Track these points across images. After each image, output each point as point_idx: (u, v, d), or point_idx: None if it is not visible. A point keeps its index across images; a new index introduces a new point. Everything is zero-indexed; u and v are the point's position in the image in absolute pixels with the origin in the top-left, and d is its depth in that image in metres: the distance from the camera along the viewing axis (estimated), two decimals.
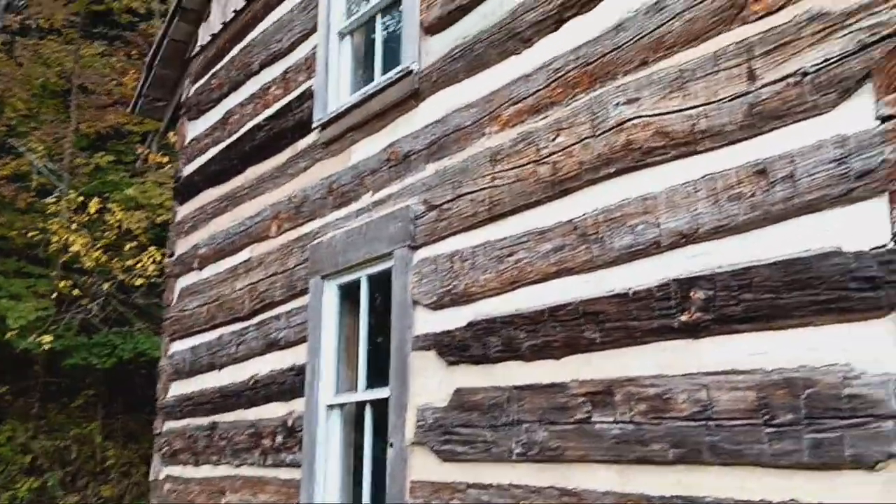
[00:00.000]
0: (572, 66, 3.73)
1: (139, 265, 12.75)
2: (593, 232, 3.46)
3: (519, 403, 3.70)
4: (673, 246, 3.14)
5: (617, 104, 3.46)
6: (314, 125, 5.53)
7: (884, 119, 2.56)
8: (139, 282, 12.87)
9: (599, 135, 3.52)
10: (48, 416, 15.16)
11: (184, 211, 7.26)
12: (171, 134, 13.33)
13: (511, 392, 3.75)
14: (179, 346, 6.93)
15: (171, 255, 7.32)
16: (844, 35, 2.68)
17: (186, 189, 7.25)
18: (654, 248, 3.20)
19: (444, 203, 4.37)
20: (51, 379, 15.22)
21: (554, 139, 3.75)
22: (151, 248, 12.97)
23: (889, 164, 2.51)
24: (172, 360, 7.02)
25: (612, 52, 3.55)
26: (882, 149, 2.54)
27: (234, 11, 6.81)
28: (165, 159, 14.02)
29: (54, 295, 13.11)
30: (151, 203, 14.14)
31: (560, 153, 3.70)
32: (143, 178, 14.95)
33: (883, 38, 2.57)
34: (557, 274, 3.62)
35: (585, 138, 3.58)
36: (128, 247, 13.04)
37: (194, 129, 7.34)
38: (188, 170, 7.30)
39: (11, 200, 14.31)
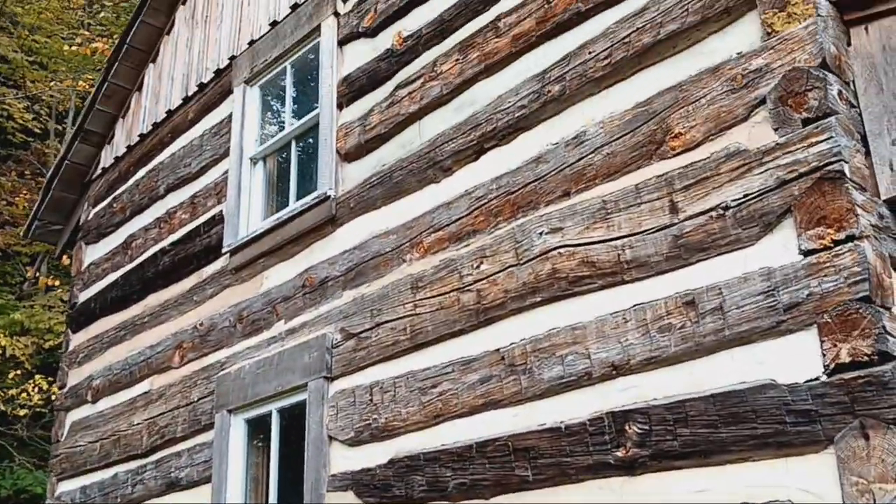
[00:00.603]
0: (494, 195, 3.74)
1: (23, 395, 11.84)
2: (521, 362, 3.38)
3: None
4: (605, 377, 3.08)
5: (541, 233, 3.46)
6: (224, 250, 5.34)
7: (807, 253, 2.62)
8: (22, 412, 11.93)
9: (524, 263, 3.49)
10: None
11: (77, 339, 6.81)
12: (64, 257, 12.78)
13: None
14: (68, 485, 6.34)
15: (62, 386, 6.80)
16: (763, 172, 2.77)
17: (81, 316, 6.83)
18: (586, 379, 3.13)
19: (362, 332, 4.22)
20: None
21: (477, 267, 3.70)
22: (38, 377, 12.11)
23: (816, 297, 2.55)
24: (60, 501, 6.40)
25: (534, 182, 3.58)
26: (808, 282, 2.59)
27: (140, 135, 6.66)
28: (56, 282, 13.35)
29: None
30: (39, 328, 13.33)
31: (484, 281, 3.65)
32: (31, 302, 14.14)
33: (801, 176, 2.66)
34: (485, 406, 3.50)
35: (510, 266, 3.55)
36: (11, 374, 12.15)
37: (92, 253, 7.00)
38: (84, 296, 6.90)
39: None
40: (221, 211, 5.57)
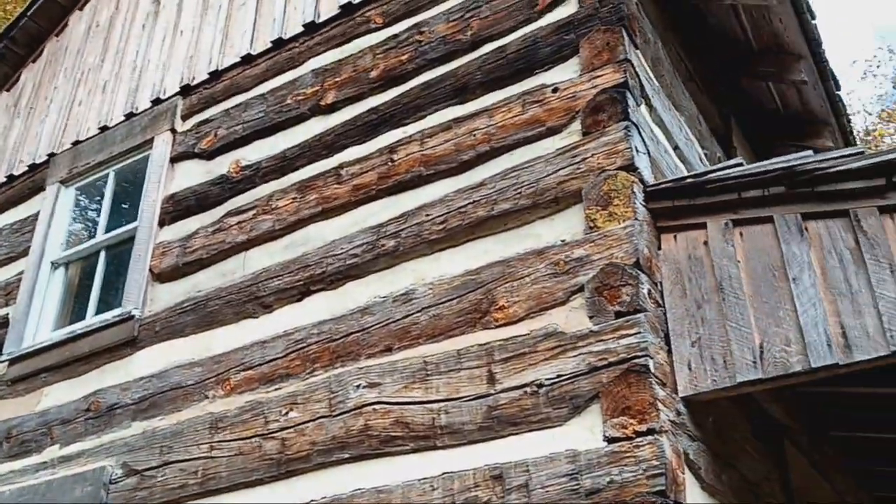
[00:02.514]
0: (314, 340, 3.67)
1: None
2: None
3: None
4: None
5: (358, 386, 3.40)
6: (2, 358, 4.84)
7: (610, 440, 2.73)
8: None
9: (337, 415, 3.40)
10: None
11: None
12: None
13: None
14: None
15: None
16: (576, 355, 2.91)
17: None
18: None
19: (147, 469, 3.89)
20: None
21: (286, 413, 3.56)
22: None
23: (616, 485, 2.65)
24: None
25: (357, 332, 3.55)
26: (609, 469, 2.68)
27: None
28: None
29: None
30: None
31: (291, 430, 3.50)
32: None
33: (610, 365, 2.82)
34: None
35: (321, 417, 3.44)
36: None
37: None
38: None
39: None
40: (8, 314, 5.08)
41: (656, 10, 4.16)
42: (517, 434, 2.93)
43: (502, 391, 3.02)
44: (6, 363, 4.85)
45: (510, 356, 3.06)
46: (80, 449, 4.23)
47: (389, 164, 3.86)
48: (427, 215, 3.60)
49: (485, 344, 3.15)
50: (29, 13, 6.20)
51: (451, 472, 2.99)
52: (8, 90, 6.27)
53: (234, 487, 3.55)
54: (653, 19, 4.01)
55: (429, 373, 3.25)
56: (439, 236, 3.52)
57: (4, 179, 5.72)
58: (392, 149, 3.89)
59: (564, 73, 3.49)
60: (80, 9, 6.16)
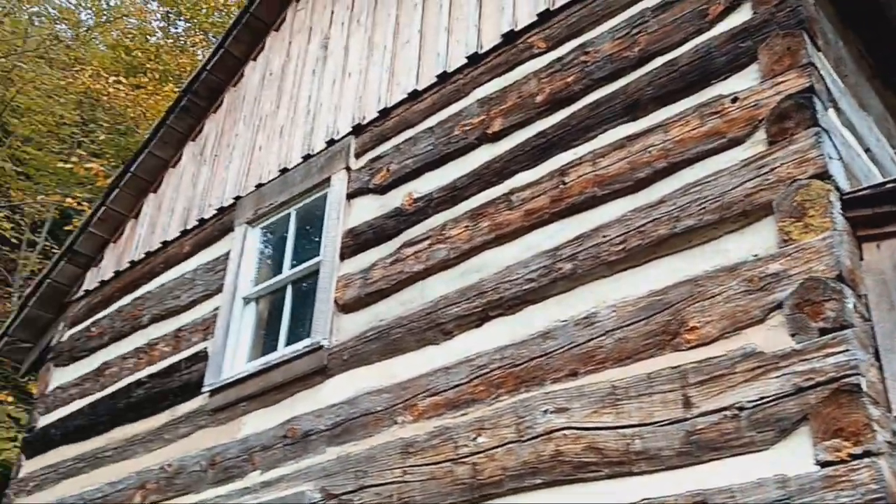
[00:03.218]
0: (497, 366, 3.71)
1: None
2: None
3: None
4: None
5: (546, 411, 3.41)
6: (204, 389, 5.19)
7: (823, 464, 2.59)
8: None
9: (526, 441, 3.42)
10: None
11: (31, 466, 6.45)
12: (24, 378, 12.34)
13: None
14: None
15: None
16: (779, 376, 2.78)
17: (38, 442, 6.50)
18: None
19: (344, 493, 4.05)
20: None
21: (475, 439, 3.61)
22: None
23: None
24: None
25: (540, 357, 3.56)
26: (823, 494, 2.55)
27: (131, 262, 6.61)
28: (9, 398, 12.81)
29: None
30: None
31: (481, 455, 3.55)
32: None
33: (818, 385, 2.68)
34: None
35: (510, 442, 3.47)
36: None
37: (61, 376, 6.76)
38: (45, 420, 6.60)
39: None
40: (206, 348, 5.46)
41: (833, 8, 3.95)
42: (719, 459, 2.84)
43: (700, 415, 2.94)
44: (207, 394, 5.20)
45: (706, 378, 2.97)
46: (281, 474, 4.46)
47: (561, 186, 3.87)
48: (604, 236, 3.57)
49: (677, 367, 3.08)
50: (208, 67, 6.70)
51: (651, 499, 2.94)
52: (193, 140, 6.78)
53: None
54: (831, 18, 3.81)
55: (618, 397, 3.21)
56: (619, 257, 3.49)
57: (196, 223, 6.17)
58: (563, 171, 3.89)
59: (743, 81, 3.38)
60: (254, 59, 6.58)
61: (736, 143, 3.28)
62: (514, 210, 4.02)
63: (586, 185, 3.77)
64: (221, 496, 4.73)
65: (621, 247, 3.49)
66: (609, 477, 3.10)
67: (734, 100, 3.35)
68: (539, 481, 3.30)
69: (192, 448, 5.12)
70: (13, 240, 15.36)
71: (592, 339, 3.41)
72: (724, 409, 2.87)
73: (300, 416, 4.56)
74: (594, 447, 3.18)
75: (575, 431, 3.26)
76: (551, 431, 3.35)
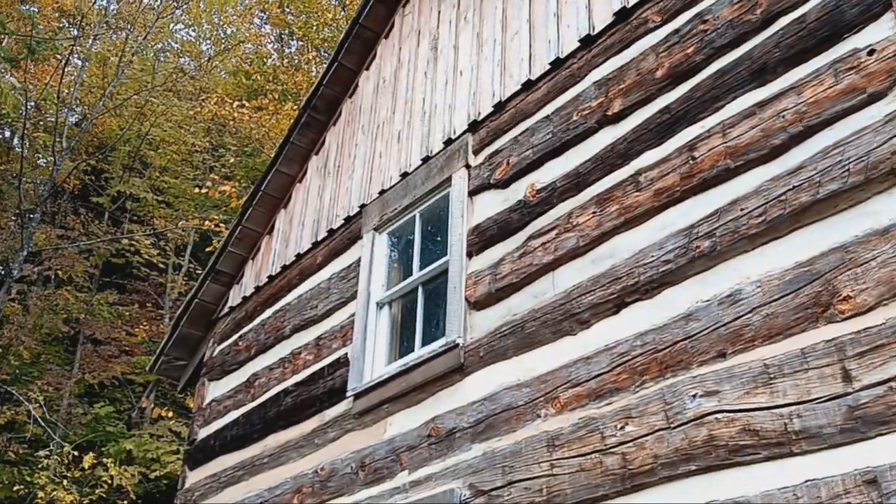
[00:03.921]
0: (639, 352, 3.62)
1: None
2: None
3: None
4: None
5: (694, 396, 3.30)
6: (348, 394, 5.34)
7: None
8: None
9: (676, 427, 3.32)
10: None
11: (194, 477, 6.84)
12: (181, 393, 13.10)
13: None
14: None
15: None
16: None
17: (200, 453, 6.88)
18: None
19: (493, 489, 4.06)
20: None
21: (622, 428, 3.54)
22: None
23: None
24: None
25: (684, 340, 3.45)
26: None
27: (269, 276, 6.88)
28: (168, 413, 13.64)
29: None
30: (146, 457, 13.56)
31: (630, 444, 3.47)
32: (139, 431, 14.48)
33: None
34: None
35: (659, 430, 3.38)
36: None
37: (215, 390, 7.13)
38: (204, 433, 6.98)
39: (1, 451, 13.72)
40: (346, 354, 5.61)
41: None
42: (888, 434, 2.66)
43: (862, 389, 2.76)
44: (352, 398, 5.34)
45: (865, 350, 2.80)
46: (428, 473, 4.52)
47: (691, 162, 3.73)
48: (742, 209, 3.43)
49: (832, 339, 2.91)
50: (324, 81, 6.88)
51: (815, 479, 2.79)
52: (317, 154, 6.99)
53: None
54: None
55: (772, 376, 3.06)
56: (759, 230, 3.33)
57: (326, 234, 6.36)
58: (691, 146, 3.76)
59: (878, 31, 3.16)
60: (367, 68, 6.72)
61: (877, 97, 3.07)
62: (642, 191, 3.91)
63: (718, 157, 3.62)
64: (373, 497, 4.84)
65: (761, 219, 3.33)
66: (768, 459, 2.96)
67: (871, 52, 3.14)
68: (693, 468, 3.20)
69: (342, 451, 5.27)
70: (160, 265, 16.34)
71: (738, 317, 3.27)
72: (889, 380, 2.69)
73: (442, 415, 4.61)
74: (749, 429, 3.05)
75: (727, 414, 3.14)
76: (702, 416, 3.24)
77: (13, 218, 15.86)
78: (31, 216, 14.71)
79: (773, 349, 3.10)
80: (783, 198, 3.26)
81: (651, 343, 3.59)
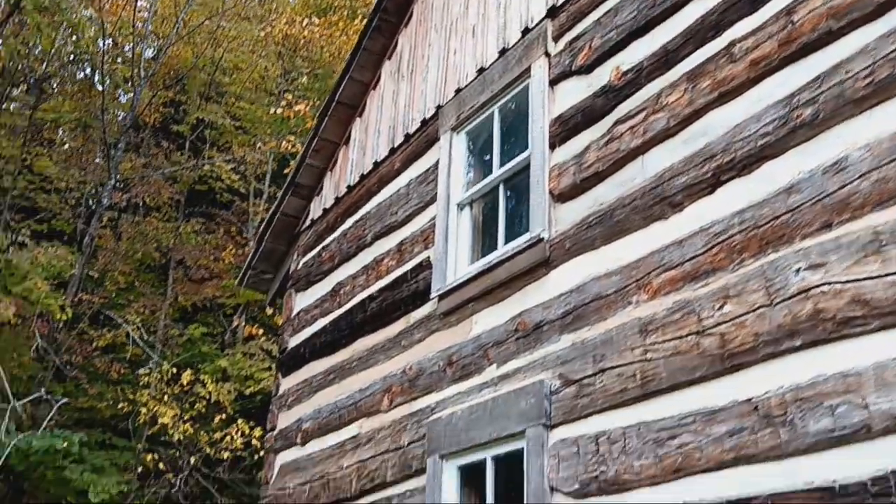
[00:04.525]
0: (736, 230, 3.46)
1: (226, 438, 12.48)
2: (780, 413, 3.04)
3: None
4: (888, 431, 2.70)
5: (798, 270, 3.14)
6: (432, 295, 5.34)
7: None
8: (225, 455, 12.56)
9: (778, 303, 3.18)
10: None
11: (287, 383, 7.04)
12: (267, 308, 13.47)
13: None
14: None
15: (272, 428, 7.03)
16: None
17: (291, 361, 7.06)
18: (864, 433, 2.76)
19: (584, 378, 4.02)
20: None
21: (720, 308, 3.42)
22: (240, 421, 12.75)
23: None
24: None
25: (785, 214, 3.28)
26: None
27: (348, 186, 6.88)
28: (259, 331, 14.09)
29: (139, 468, 12.87)
30: (240, 375, 14.11)
31: (728, 324, 3.35)
32: (232, 350, 15.03)
33: None
34: (735, 462, 3.17)
35: (760, 307, 3.25)
36: (217, 419, 12.85)
37: (302, 300, 7.26)
38: (294, 341, 7.14)
39: (104, 371, 14.46)
40: (428, 257, 5.59)
41: None
42: None
43: None
44: (436, 299, 5.34)
45: None
46: (516, 367, 4.51)
47: (789, 27, 3.48)
48: (847, 72, 3.19)
49: None
50: None
51: None
52: (389, 58, 6.86)
53: (676, 387, 3.52)
54: None
55: (883, 243, 2.88)
56: (867, 92, 3.10)
57: (402, 139, 6.28)
58: (789, 10, 3.50)
59: None
60: None
61: None
62: (737, 63, 3.68)
63: (818, 20, 3.36)
64: (462, 392, 4.87)
65: (869, 80, 3.09)
66: (880, 329, 2.81)
67: None
68: (798, 343, 3.06)
69: (429, 351, 5.31)
70: (242, 190, 16.65)
71: (845, 185, 3.07)
72: None
73: (529, 310, 4.56)
74: (859, 300, 2.89)
75: (834, 286, 2.98)
76: (807, 289, 3.09)
77: (100, 151, 16.35)
78: (117, 147, 15.10)
79: (884, 215, 2.90)
80: (893, 57, 3.01)
81: (750, 220, 3.42)
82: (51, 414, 11.97)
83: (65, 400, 12.29)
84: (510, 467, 4.44)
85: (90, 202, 15.98)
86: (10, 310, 11.28)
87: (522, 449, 4.27)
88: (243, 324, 15.04)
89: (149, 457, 12.61)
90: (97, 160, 16.88)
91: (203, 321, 16.21)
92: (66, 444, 11.43)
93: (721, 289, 3.44)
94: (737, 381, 3.27)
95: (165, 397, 12.75)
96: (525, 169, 4.96)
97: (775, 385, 3.09)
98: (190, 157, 17.38)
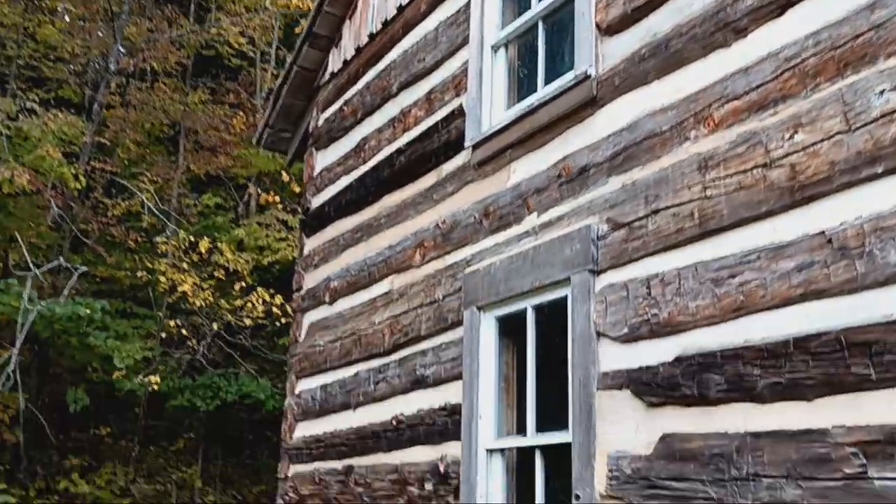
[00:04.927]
0: (811, 53, 3.18)
1: (247, 306, 12.56)
2: (857, 245, 2.86)
3: (754, 454, 3.08)
4: None
5: (881, 92, 2.88)
6: (466, 145, 5.09)
7: None
8: (247, 322, 12.69)
9: (858, 129, 2.93)
10: (147, 459, 15.07)
11: (312, 244, 6.91)
12: (284, 174, 13.26)
13: (743, 440, 3.13)
14: (308, 383, 6.52)
15: (299, 288, 6.96)
16: None
17: (315, 221, 6.91)
18: None
19: (634, 220, 3.83)
20: (152, 422, 15.16)
21: (790, 138, 3.18)
22: (259, 289, 12.80)
23: None
24: (300, 399, 6.61)
25: (868, 32, 2.98)
26: None
27: (370, 35, 6.51)
28: (276, 198, 13.93)
29: (163, 334, 13.05)
30: (257, 245, 14.07)
31: (800, 153, 3.12)
32: (247, 221, 14.94)
33: None
34: (803, 297, 3.02)
35: (836, 134, 3.01)
36: (238, 286, 12.91)
37: (324, 159, 7.03)
38: (317, 201, 6.96)
39: (122, 240, 14.44)
40: (461, 104, 5.31)
41: None
42: None
43: None
44: (470, 149, 5.10)
45: None
46: (559, 213, 4.32)
47: None
48: None
49: None
50: None
51: None
52: None
53: (738, 224, 3.33)
54: None
55: None
56: None
57: None
58: None
59: None
60: None
61: None
62: None
63: None
64: (500, 243, 4.72)
65: None
66: None
67: None
68: (880, 170, 2.84)
69: (463, 203, 5.12)
70: (250, 54, 16.08)
71: None
72: None
73: (573, 154, 4.33)
74: None
75: None
76: (891, 112, 2.83)
77: (101, 21, 15.71)
78: (120, 17, 14.51)
79: None
80: None
81: (826, 40, 3.13)
82: (71, 282, 12.01)
83: (84, 268, 12.31)
84: (551, 317, 4.34)
85: (97, 67, 15.51)
86: (24, 177, 11.10)
87: (566, 297, 4.14)
88: (258, 193, 14.87)
89: (171, 322, 12.74)
90: (100, 30, 16.25)
91: (216, 193, 16.06)
92: (88, 311, 11.53)
93: (792, 117, 3.19)
94: (808, 214, 3.07)
95: (185, 265, 12.76)
96: (567, 4, 4.61)
97: (852, 216, 2.90)
98: (194, 22, 16.73)
